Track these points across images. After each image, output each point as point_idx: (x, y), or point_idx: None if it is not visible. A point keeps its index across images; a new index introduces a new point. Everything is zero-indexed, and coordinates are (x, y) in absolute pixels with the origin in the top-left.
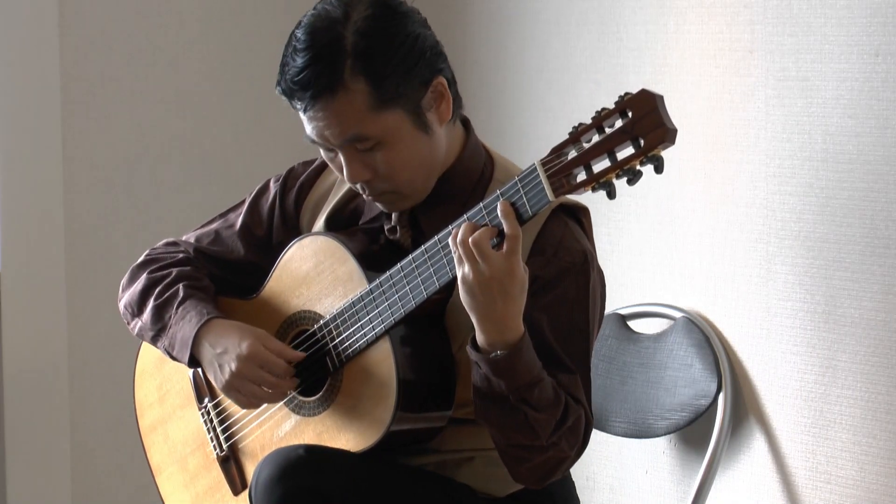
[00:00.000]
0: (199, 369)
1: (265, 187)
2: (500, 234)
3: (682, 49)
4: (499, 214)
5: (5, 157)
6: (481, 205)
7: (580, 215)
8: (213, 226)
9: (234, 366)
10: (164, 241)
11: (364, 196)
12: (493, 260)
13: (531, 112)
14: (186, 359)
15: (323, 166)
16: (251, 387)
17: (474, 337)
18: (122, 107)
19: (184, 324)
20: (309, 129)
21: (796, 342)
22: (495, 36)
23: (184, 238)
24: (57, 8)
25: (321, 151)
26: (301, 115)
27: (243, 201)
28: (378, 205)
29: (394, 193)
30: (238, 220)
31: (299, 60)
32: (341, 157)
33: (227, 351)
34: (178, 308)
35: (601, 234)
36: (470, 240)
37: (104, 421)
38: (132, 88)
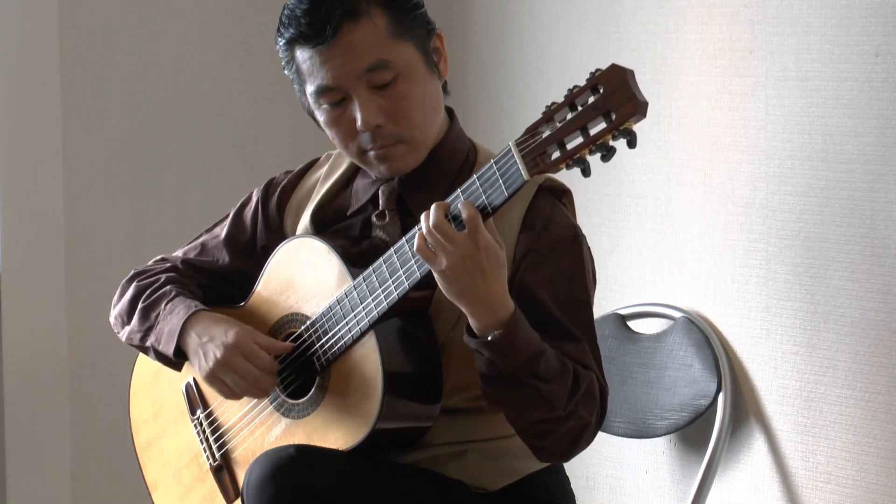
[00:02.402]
0: (192, 380)
1: (248, 198)
2: (457, 218)
3: (682, 49)
4: (458, 206)
5: (5, 157)
6: (459, 191)
7: (563, 198)
8: (200, 239)
9: (218, 353)
10: (154, 258)
11: (369, 154)
12: (458, 241)
13: (531, 112)
14: (172, 349)
15: (304, 170)
16: (233, 376)
17: (469, 326)
18: (122, 107)
19: (171, 317)
20: (321, 75)
21: (796, 342)
22: (495, 36)
23: (172, 255)
24: (57, 8)
25: (324, 115)
26: (309, 64)
27: (228, 214)
28: (381, 168)
29: (402, 144)
30: (223, 231)
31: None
32: (355, 102)
33: (212, 339)
34: (166, 305)
35: (601, 234)
36: (431, 226)
37: (104, 422)
38: (132, 88)
